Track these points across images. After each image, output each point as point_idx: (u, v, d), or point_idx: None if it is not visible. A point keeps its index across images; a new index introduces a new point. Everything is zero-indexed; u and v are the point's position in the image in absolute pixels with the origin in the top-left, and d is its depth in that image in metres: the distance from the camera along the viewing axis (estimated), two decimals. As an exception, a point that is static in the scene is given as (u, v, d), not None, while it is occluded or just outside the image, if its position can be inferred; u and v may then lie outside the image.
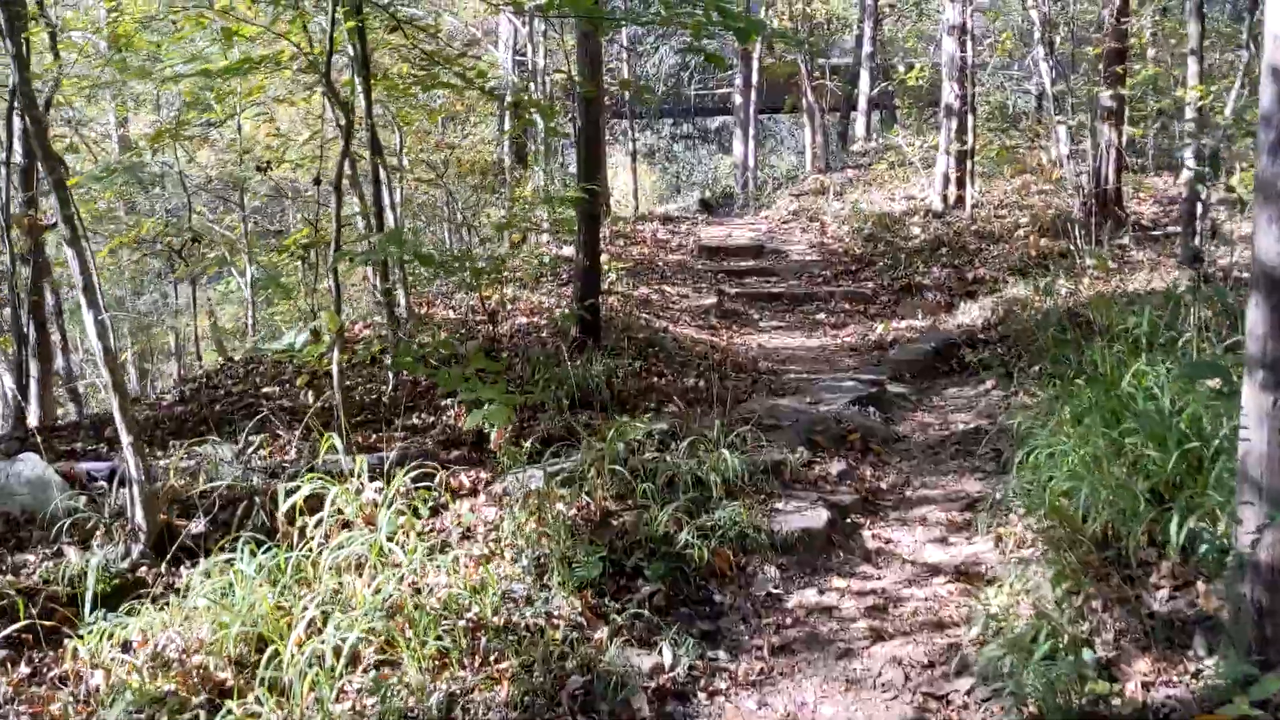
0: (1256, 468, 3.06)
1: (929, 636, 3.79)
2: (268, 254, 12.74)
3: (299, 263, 10.84)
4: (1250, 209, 5.58)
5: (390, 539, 4.07)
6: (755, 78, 21.43)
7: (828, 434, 5.71)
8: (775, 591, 4.22)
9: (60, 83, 7.34)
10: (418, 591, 3.78)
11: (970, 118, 12.27)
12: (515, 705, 3.28)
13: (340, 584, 3.79)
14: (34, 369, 7.25)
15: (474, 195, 14.33)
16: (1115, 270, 9.00)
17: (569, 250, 11.41)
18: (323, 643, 3.32)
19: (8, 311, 7.54)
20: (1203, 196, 5.19)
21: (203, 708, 3.22)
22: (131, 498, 4.36)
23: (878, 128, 24.88)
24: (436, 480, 4.63)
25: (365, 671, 3.37)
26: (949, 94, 12.71)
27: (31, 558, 4.29)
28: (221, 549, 3.96)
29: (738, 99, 24.72)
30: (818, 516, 4.65)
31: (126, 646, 3.56)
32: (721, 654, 3.75)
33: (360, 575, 3.85)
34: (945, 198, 12.73)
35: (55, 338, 9.12)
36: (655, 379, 7.21)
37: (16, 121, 6.96)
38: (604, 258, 10.98)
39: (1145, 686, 3.21)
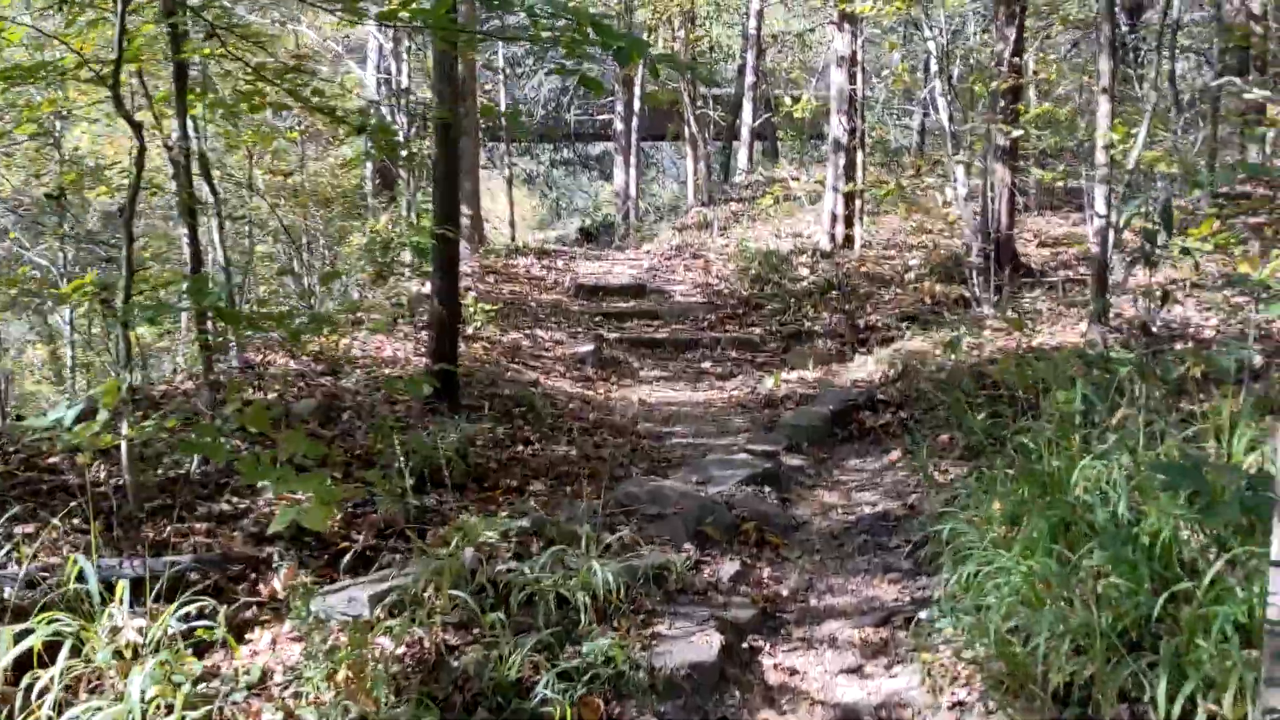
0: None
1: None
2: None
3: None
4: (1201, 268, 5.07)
5: (150, 705, 3.04)
6: (637, 104, 20.78)
7: (718, 524, 4.87)
8: (657, 757, 3.34)
9: None
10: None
11: (860, 153, 11.76)
12: None
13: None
14: None
15: (331, 225, 13.19)
16: (1015, 321, 8.48)
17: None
18: None
19: None
20: (1150, 253, 4.58)
21: None
22: None
23: (760, 159, 24.55)
24: (222, 614, 3.59)
25: None
26: (837, 128, 12.20)
27: None
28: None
29: (619, 125, 24.08)
30: (709, 643, 3.79)
31: None
32: None
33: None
34: (833, 237, 12.18)
35: None
36: (521, 447, 6.28)
37: None
38: (471, 296, 10.02)
39: None
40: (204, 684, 3.34)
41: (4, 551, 4.55)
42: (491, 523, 4.30)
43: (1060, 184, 15.76)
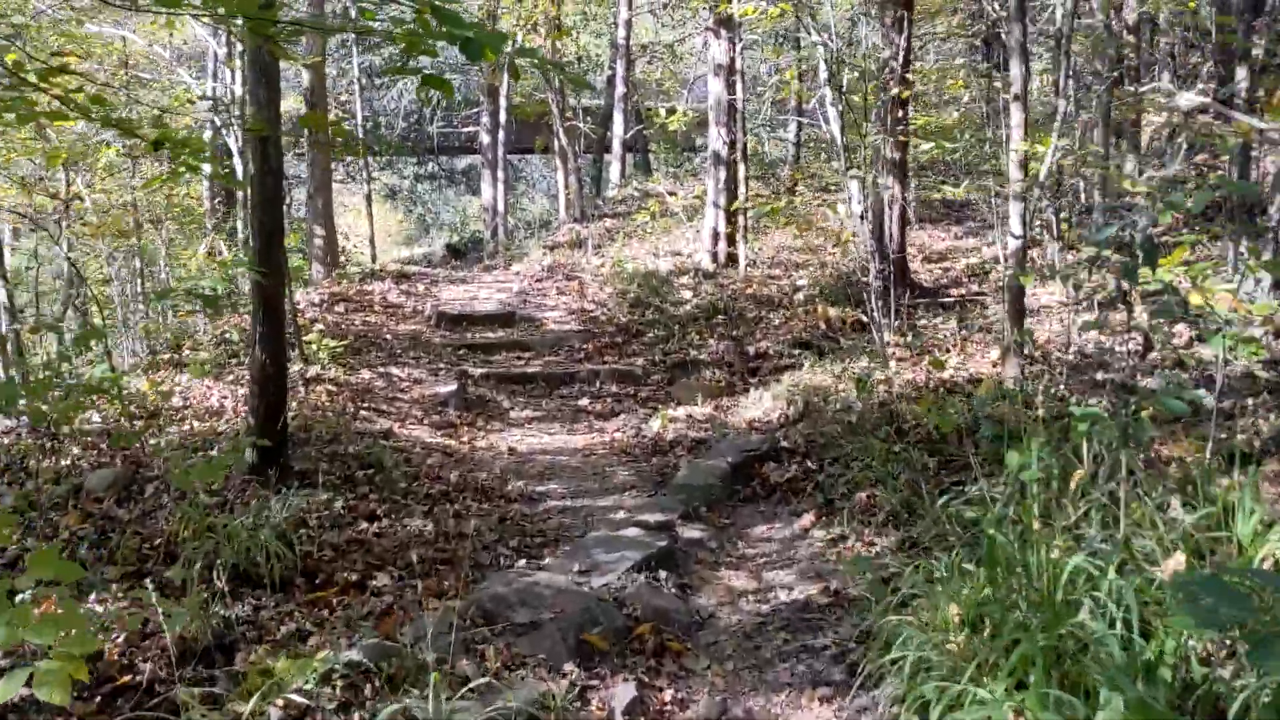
0: None
1: None
2: None
3: None
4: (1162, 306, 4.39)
5: None
6: (503, 116, 19.72)
7: (607, 629, 3.92)
8: None
9: None
10: None
11: (741, 167, 11.03)
12: None
13: None
14: None
15: (148, 251, 11.75)
16: (921, 349, 7.82)
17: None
18: None
19: None
20: (1126, 293, 3.88)
21: None
22: None
23: (633, 172, 23.81)
24: None
25: None
26: (716, 140, 11.45)
27: None
28: None
29: (485, 138, 22.97)
30: (603, 823, 2.84)
31: None
32: None
33: None
34: (716, 256, 11.42)
35: None
36: (365, 524, 5.20)
37: None
38: (316, 331, 8.85)
39: None
40: None
41: None
42: (307, 665, 3.24)
43: (936, 196, 15.49)
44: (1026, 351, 6.64)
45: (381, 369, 8.42)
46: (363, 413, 7.26)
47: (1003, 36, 8.53)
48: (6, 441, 6.48)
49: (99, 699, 3.64)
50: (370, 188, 22.18)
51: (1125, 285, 3.70)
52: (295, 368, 7.85)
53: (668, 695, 3.66)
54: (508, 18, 16.96)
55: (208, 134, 14.42)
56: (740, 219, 10.97)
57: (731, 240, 11.27)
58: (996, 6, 9.79)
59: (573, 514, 5.65)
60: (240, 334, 8.69)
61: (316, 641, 3.83)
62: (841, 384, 7.15)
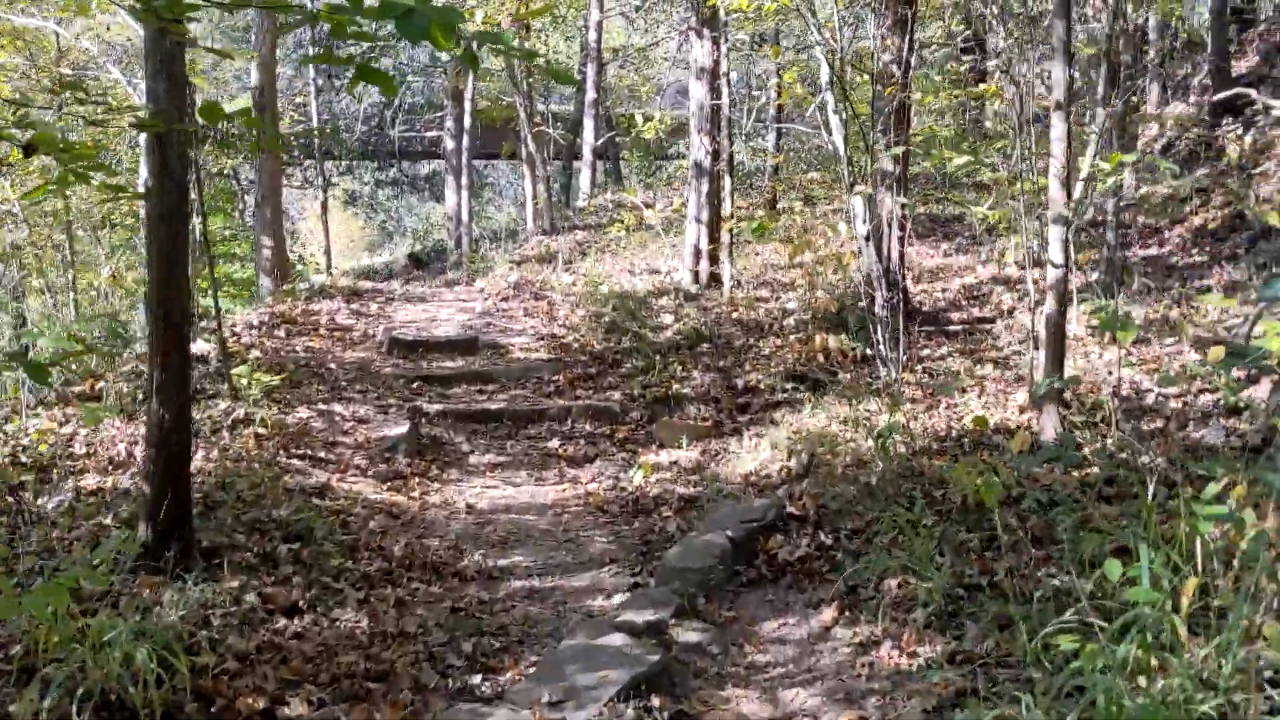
0: None
1: None
2: None
3: None
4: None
5: None
6: (468, 120, 18.71)
7: (588, 795, 2.96)
8: None
9: None
10: None
11: (727, 179, 10.12)
12: None
13: None
14: None
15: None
16: (936, 388, 6.94)
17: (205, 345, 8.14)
18: None
19: None
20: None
21: None
22: None
23: (604, 180, 22.89)
24: None
25: None
26: (698, 149, 10.54)
27: None
28: None
29: (450, 143, 21.98)
30: None
31: None
32: None
33: None
34: (698, 275, 10.50)
35: None
36: (285, 620, 4.21)
37: None
38: (250, 360, 7.84)
39: None
40: None
41: None
42: None
43: (922, 210, 14.68)
44: (1067, 397, 5.76)
45: (323, 406, 7.40)
46: (296, 463, 6.25)
47: (990, 37, 7.72)
48: None
49: None
50: (327, 195, 21.13)
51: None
52: (222, 406, 6.84)
53: None
54: (470, 13, 15.98)
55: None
56: (725, 235, 10.05)
57: (715, 258, 10.36)
58: (990, 10, 8.94)
59: (541, 599, 4.69)
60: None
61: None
62: (850, 432, 6.24)
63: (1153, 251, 11.16)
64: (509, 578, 4.96)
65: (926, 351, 8.48)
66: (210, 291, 15.03)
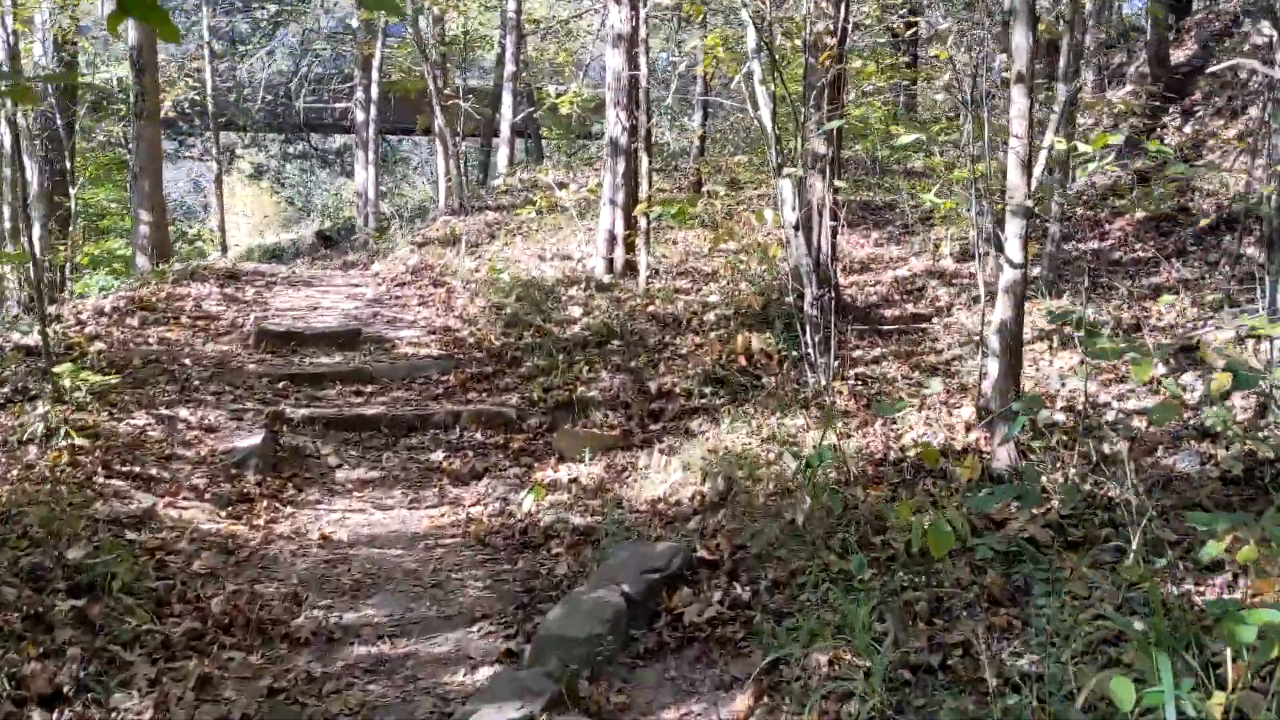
0: None
1: None
2: None
3: None
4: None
5: None
6: (375, 91, 17.52)
7: None
8: None
9: None
10: None
11: (645, 159, 9.22)
12: None
13: None
14: None
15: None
16: (867, 400, 6.15)
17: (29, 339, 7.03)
18: None
19: None
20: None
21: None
22: None
23: (523, 158, 21.81)
24: None
25: None
26: (614, 125, 9.61)
27: None
28: None
29: (360, 115, 20.70)
30: None
31: None
32: None
33: None
34: (612, 263, 9.59)
35: None
36: (40, 715, 3.22)
37: None
38: (99, 348, 6.77)
39: None
40: None
41: None
42: None
43: (852, 197, 13.97)
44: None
45: (166, 410, 6.34)
46: (117, 483, 5.21)
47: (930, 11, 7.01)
48: None
49: None
50: (222, 168, 19.73)
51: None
52: (39, 410, 5.76)
53: None
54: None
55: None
56: (642, 221, 9.15)
57: (631, 245, 9.46)
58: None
59: (389, 673, 3.76)
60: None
61: None
62: (772, 451, 5.41)
63: (1094, 245, 10.55)
64: (353, 640, 4.01)
65: (859, 353, 7.72)
66: (64, 268, 13.71)
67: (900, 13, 13.35)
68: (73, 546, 4.31)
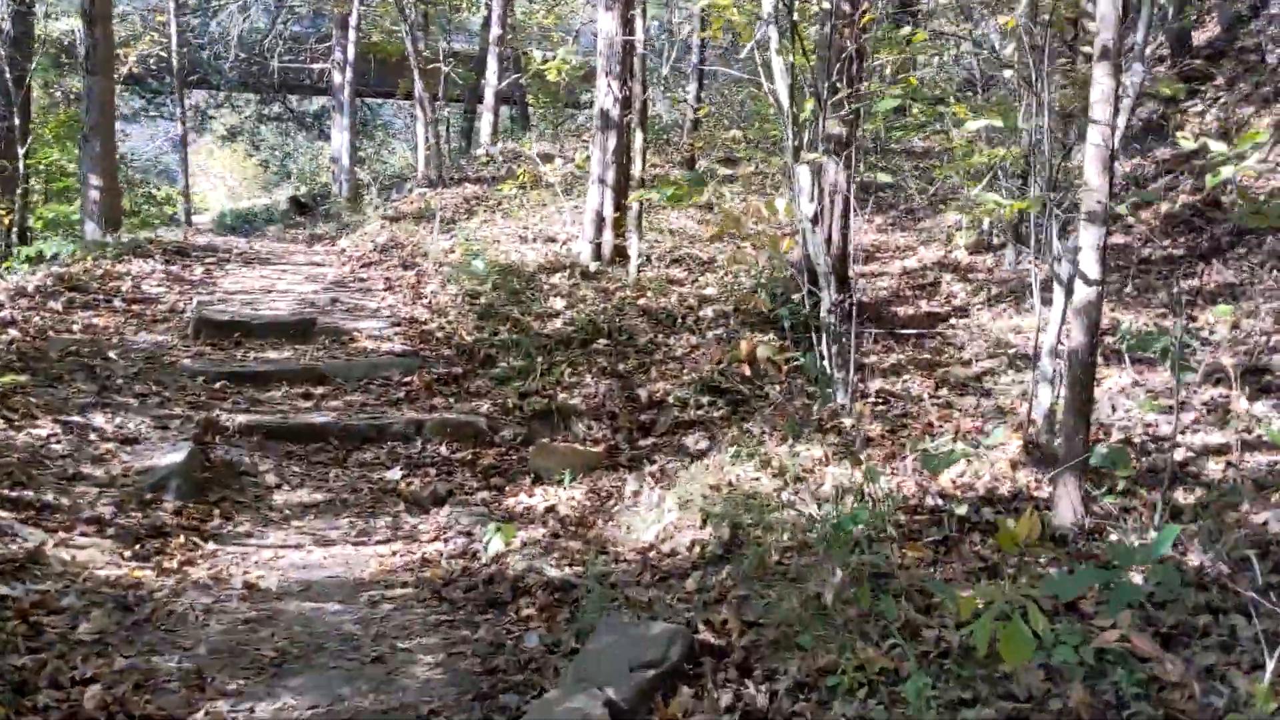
0: None
1: None
2: None
3: None
4: None
5: None
6: (352, 51, 16.49)
7: None
8: None
9: None
10: None
11: (639, 134, 8.33)
12: None
13: None
14: None
15: None
16: (880, 418, 5.33)
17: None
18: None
19: None
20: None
21: None
22: None
23: (509, 127, 20.82)
24: None
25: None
26: (605, 95, 8.71)
27: None
28: None
29: (338, 77, 19.64)
30: None
31: None
32: None
33: None
34: (599, 248, 8.72)
35: None
36: None
37: None
38: (10, 337, 5.88)
39: None
40: None
41: None
42: None
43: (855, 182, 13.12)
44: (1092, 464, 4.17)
45: (79, 417, 5.46)
46: (1, 514, 4.34)
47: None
48: None
49: None
50: (186, 128, 18.68)
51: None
52: (-80, 417, 4.87)
53: None
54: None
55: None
56: (635, 203, 8.27)
57: (621, 228, 8.59)
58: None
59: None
60: None
61: None
62: (784, 491, 4.58)
63: (1119, 240, 9.72)
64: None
65: (873, 359, 6.91)
66: (8, 234, 12.68)
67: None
68: (-80, 610, 3.45)
